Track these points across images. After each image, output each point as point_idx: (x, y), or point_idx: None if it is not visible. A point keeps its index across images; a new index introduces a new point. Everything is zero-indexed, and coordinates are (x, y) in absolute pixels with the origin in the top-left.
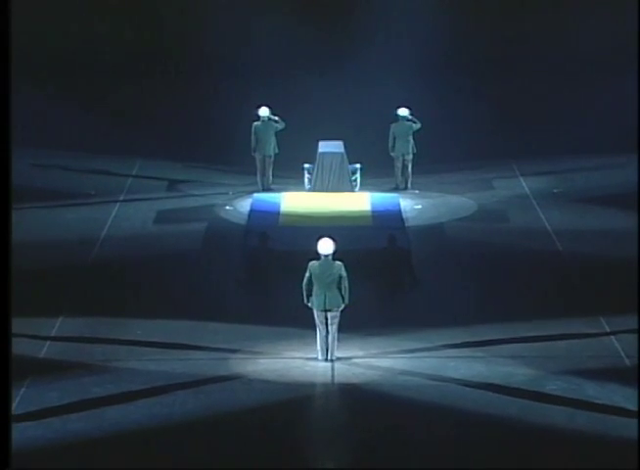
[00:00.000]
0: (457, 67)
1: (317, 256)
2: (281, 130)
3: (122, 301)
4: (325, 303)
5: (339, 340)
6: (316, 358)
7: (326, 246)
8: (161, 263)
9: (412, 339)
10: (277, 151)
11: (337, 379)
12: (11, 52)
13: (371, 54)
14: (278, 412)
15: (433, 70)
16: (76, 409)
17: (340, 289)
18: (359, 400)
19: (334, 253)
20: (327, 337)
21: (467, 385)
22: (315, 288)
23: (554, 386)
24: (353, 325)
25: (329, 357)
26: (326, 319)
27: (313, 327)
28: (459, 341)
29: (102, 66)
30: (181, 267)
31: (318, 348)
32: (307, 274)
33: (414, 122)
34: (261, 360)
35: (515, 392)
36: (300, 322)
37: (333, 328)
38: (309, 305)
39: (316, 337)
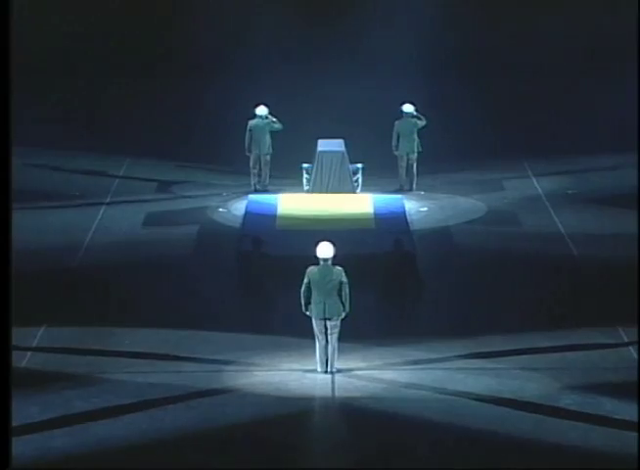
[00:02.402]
0: (465, 62)
1: (316, 261)
2: (277, 131)
3: (109, 309)
4: (324, 310)
5: (339, 350)
6: (315, 370)
7: (325, 250)
8: (151, 269)
9: (417, 349)
10: (271, 151)
11: (337, 392)
12: (10, 52)
13: (373, 48)
14: (274, 428)
15: (439, 65)
16: (59, 425)
17: (340, 296)
18: (361, 415)
19: (333, 257)
20: (326, 347)
21: (475, 399)
22: (314, 295)
23: (569, 400)
24: (355, 335)
25: (329, 369)
26: (325, 329)
27: (312, 337)
28: (467, 352)
29: (90, 63)
30: (171, 273)
31: (317, 359)
32: (306, 280)
33: (419, 119)
34: (257, 373)
35: (527, 406)
36: (298, 332)
37: (333, 338)
38: (308, 313)
39: (315, 347)
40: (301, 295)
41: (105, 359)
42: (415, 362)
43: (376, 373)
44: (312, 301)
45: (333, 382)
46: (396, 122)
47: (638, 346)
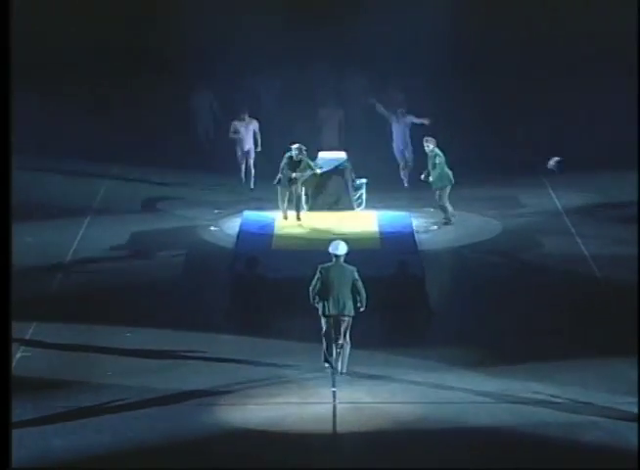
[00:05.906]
0: (476, 73)
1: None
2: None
3: (88, 336)
4: (339, 305)
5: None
6: (314, 402)
7: (339, 246)
8: (136, 294)
9: (426, 381)
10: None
11: (339, 428)
12: (11, 54)
13: (380, 55)
14: (270, 468)
15: (448, 76)
16: (39, 433)
17: (353, 294)
18: (365, 453)
19: (346, 254)
20: (336, 348)
21: (490, 435)
22: (328, 291)
23: (592, 437)
24: (359, 363)
25: (340, 370)
26: (336, 329)
27: (312, 366)
28: (479, 384)
29: (84, 66)
30: (158, 298)
31: (324, 350)
32: (318, 275)
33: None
34: (251, 406)
35: (547, 443)
36: (297, 361)
37: (347, 338)
38: (317, 305)
39: (321, 349)
40: (311, 289)
41: (82, 391)
42: (423, 395)
43: (381, 407)
44: (326, 297)
45: (334, 416)
46: (436, 150)
47: (638, 351)
